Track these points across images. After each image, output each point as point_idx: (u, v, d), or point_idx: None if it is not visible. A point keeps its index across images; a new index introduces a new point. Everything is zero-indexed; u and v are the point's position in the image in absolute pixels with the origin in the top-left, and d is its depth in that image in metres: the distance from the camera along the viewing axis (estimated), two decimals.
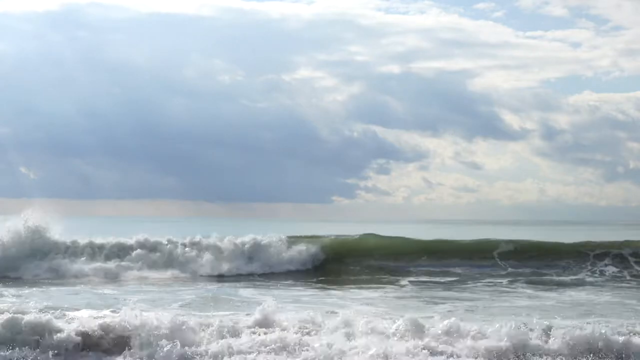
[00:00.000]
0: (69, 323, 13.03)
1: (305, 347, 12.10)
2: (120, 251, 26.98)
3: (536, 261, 26.87)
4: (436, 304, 18.30)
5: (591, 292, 21.14)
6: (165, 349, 12.08)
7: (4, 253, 25.67)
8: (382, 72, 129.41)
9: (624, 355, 12.13)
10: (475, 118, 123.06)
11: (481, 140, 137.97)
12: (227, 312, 15.20)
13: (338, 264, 27.16)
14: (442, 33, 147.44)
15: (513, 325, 12.45)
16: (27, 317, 12.86)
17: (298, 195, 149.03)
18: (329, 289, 21.69)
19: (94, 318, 13.31)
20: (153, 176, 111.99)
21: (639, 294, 21.12)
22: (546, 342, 12.37)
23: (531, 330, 12.61)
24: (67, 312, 14.13)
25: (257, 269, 26.29)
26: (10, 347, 12.26)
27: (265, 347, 12.27)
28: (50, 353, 12.23)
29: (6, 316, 12.91)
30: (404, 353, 11.98)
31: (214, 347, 12.31)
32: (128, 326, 12.71)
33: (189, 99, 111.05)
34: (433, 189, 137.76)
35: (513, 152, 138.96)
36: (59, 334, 12.56)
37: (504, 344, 12.18)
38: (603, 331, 12.40)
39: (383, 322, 13.06)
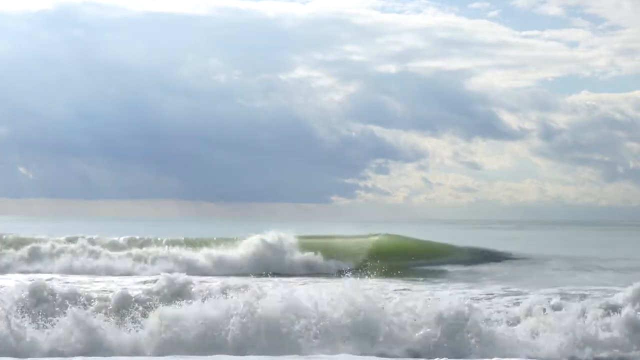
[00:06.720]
0: None
1: None
2: None
3: None
4: None
5: None
6: None
7: None
8: (379, 72, 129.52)
9: None
10: (473, 118, 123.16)
11: (480, 140, 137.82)
12: None
13: None
14: (439, 32, 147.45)
15: None
16: None
17: (297, 195, 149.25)
18: None
19: None
20: (151, 176, 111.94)
21: None
22: None
23: None
24: None
25: None
26: None
27: None
28: None
29: None
30: None
31: None
32: None
33: (185, 98, 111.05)
34: (433, 189, 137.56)
35: (512, 152, 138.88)
36: None
37: None
38: None
39: None
